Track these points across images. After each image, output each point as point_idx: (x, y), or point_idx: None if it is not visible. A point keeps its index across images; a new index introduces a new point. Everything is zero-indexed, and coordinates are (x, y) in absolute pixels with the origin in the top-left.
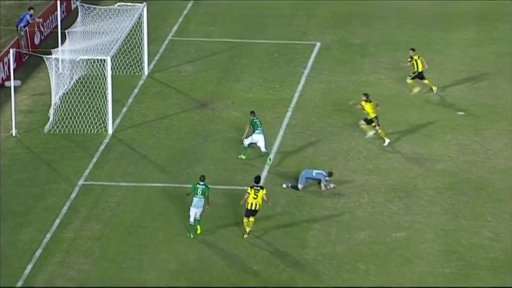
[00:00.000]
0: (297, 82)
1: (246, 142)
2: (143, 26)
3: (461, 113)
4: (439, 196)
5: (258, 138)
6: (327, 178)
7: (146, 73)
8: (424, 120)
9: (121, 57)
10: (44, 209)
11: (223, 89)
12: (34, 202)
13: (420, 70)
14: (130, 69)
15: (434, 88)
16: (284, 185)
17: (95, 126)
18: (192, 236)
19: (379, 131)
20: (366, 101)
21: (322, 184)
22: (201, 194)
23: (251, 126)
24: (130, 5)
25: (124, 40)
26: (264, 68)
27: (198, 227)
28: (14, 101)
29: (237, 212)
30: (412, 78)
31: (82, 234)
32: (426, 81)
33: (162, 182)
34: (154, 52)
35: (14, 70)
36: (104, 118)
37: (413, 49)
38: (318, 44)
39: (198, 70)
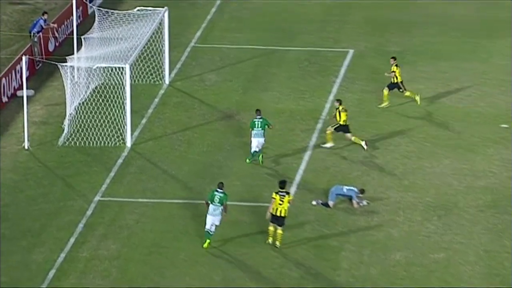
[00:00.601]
0: (329, 92)
1: (252, 150)
2: (164, 32)
3: (505, 125)
4: (480, 215)
5: (258, 142)
6: (360, 195)
7: (167, 82)
8: (465, 133)
9: (141, 65)
10: (59, 227)
11: (250, 99)
12: (48, 220)
13: (399, 80)
14: (150, 77)
15: (418, 98)
16: (314, 202)
17: (112, 139)
18: (206, 244)
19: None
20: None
21: (354, 201)
22: (219, 202)
23: (250, 127)
24: (150, 10)
25: (144, 46)
26: (294, 77)
27: (208, 241)
28: (27, 112)
29: (265, 230)
30: (390, 89)
31: (99, 253)
32: (407, 93)
33: (184, 198)
34: (176, 60)
35: (27, 78)
36: (122, 130)
37: (393, 57)
38: (351, 51)
39: (222, 79)
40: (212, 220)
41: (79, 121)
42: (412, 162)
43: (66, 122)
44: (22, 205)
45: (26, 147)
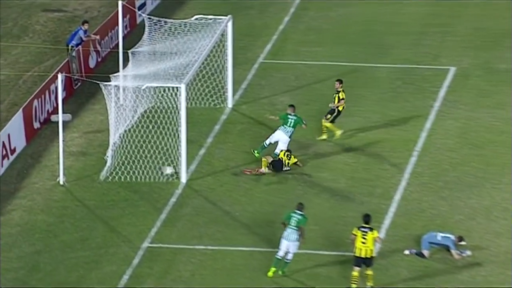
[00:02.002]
0: (425, 119)
1: (267, 141)
2: (227, 45)
3: None
4: None
5: (280, 137)
6: (461, 243)
7: (230, 105)
8: None
9: (199, 84)
10: (99, 279)
11: (330, 126)
12: (86, 270)
13: (341, 108)
14: (210, 100)
15: (338, 133)
16: (406, 252)
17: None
18: (281, 272)
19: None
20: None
21: (454, 251)
22: (296, 226)
23: (281, 120)
24: (211, 19)
25: (203, 63)
26: (384, 100)
27: (273, 269)
28: (63, 140)
29: (348, 283)
30: (331, 121)
31: None
32: (328, 124)
33: (250, 246)
34: (241, 79)
35: (63, 100)
36: (176, 163)
37: (339, 80)
38: (453, 69)
39: (297, 103)
40: (287, 246)
41: (124, 151)
42: None
43: (109, 153)
44: (56, 252)
45: (61, 183)
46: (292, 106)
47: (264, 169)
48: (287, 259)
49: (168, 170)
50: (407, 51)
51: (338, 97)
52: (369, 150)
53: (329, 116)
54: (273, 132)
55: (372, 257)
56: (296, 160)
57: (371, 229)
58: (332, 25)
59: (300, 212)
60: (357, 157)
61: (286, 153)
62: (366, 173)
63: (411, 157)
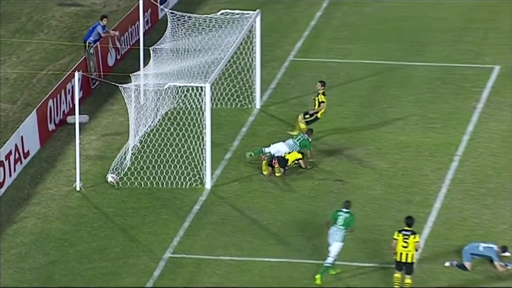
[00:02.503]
0: (467, 121)
1: (268, 149)
2: (255, 42)
3: None
4: None
5: (281, 149)
6: (505, 254)
7: (258, 106)
8: None
9: (225, 84)
10: None
11: (365, 129)
12: (105, 282)
13: (320, 115)
14: (237, 100)
15: (294, 133)
16: (447, 263)
17: (187, 179)
18: (319, 279)
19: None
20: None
21: (497, 263)
22: (342, 225)
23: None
24: (237, 14)
25: (229, 61)
26: (422, 101)
27: (319, 275)
28: (79, 144)
29: None
30: (307, 122)
31: None
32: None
33: (279, 256)
34: (270, 78)
35: (79, 100)
36: (200, 168)
37: (322, 82)
38: (497, 68)
39: (330, 104)
40: (334, 246)
41: (145, 155)
42: None
43: (129, 156)
44: (72, 263)
45: (78, 189)
46: (310, 130)
47: (274, 171)
48: (326, 262)
49: (109, 178)
50: (447, 48)
51: (318, 100)
52: (407, 155)
53: (307, 116)
54: (279, 142)
55: (413, 262)
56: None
57: (413, 232)
58: (367, 21)
59: (347, 210)
60: (394, 162)
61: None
62: (404, 179)
63: (452, 162)
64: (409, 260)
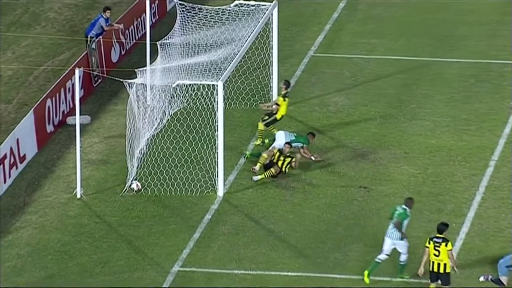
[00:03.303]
0: (504, 123)
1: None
2: (272, 36)
3: None
4: None
5: (279, 138)
6: None
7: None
8: None
9: (239, 82)
10: None
11: (392, 131)
12: None
13: (279, 116)
14: (252, 100)
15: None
16: (482, 278)
17: (198, 185)
18: (400, 277)
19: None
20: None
21: None
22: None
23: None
24: (253, 5)
25: (244, 57)
26: (454, 101)
27: (402, 275)
28: (80, 147)
29: None
30: (266, 124)
31: None
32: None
33: (298, 270)
34: (288, 75)
35: (80, 100)
36: (212, 173)
37: (286, 83)
38: None
39: (354, 103)
40: (391, 245)
41: (152, 160)
42: None
43: (134, 161)
44: (72, 277)
45: (78, 196)
46: (312, 134)
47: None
48: (401, 262)
49: (134, 185)
50: (482, 43)
51: (277, 104)
52: (438, 160)
53: (266, 117)
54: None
55: (448, 273)
56: (289, 160)
57: (444, 240)
58: (394, 13)
59: (404, 207)
60: (423, 168)
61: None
62: (434, 186)
63: (487, 167)
64: (441, 270)
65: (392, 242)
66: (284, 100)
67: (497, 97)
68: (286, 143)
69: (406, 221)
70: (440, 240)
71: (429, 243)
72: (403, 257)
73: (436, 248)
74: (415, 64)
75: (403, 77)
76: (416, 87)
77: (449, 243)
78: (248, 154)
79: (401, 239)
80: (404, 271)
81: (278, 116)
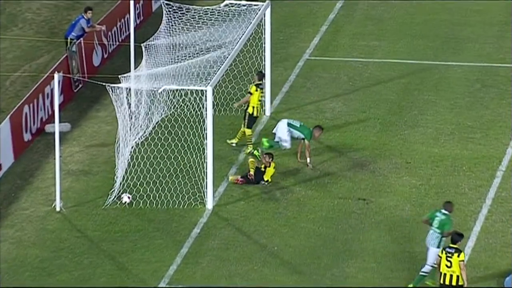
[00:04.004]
0: (511, 130)
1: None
2: (264, 39)
3: None
4: None
5: (280, 127)
6: None
7: (268, 112)
8: None
9: (229, 87)
10: None
11: (392, 139)
12: None
13: (256, 114)
14: (243, 106)
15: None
16: None
17: (186, 197)
18: (430, 282)
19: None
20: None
21: None
22: (438, 227)
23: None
24: (244, 5)
25: (234, 60)
26: (459, 107)
27: (428, 282)
28: (59, 156)
29: None
30: (248, 126)
31: None
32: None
33: (293, 286)
34: (282, 80)
35: (60, 106)
36: (201, 184)
37: (259, 74)
38: None
39: (352, 110)
40: (429, 252)
41: (136, 170)
42: None
43: (117, 172)
44: None
45: (58, 209)
46: (319, 128)
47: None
48: (422, 272)
49: (125, 198)
50: (488, 46)
51: (250, 93)
52: (441, 170)
53: (244, 119)
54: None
55: (460, 286)
56: (274, 171)
57: (457, 250)
58: (395, 14)
59: (445, 212)
60: (426, 178)
61: (266, 157)
62: (438, 198)
63: (494, 178)
64: (453, 283)
65: (428, 248)
66: (257, 90)
67: (504, 103)
68: (266, 153)
69: (448, 226)
70: (453, 250)
71: (441, 252)
72: (425, 267)
73: (448, 258)
74: (417, 68)
75: (404, 81)
76: (418, 92)
77: (462, 254)
78: (257, 153)
79: (437, 247)
80: (419, 283)
81: (250, 110)
